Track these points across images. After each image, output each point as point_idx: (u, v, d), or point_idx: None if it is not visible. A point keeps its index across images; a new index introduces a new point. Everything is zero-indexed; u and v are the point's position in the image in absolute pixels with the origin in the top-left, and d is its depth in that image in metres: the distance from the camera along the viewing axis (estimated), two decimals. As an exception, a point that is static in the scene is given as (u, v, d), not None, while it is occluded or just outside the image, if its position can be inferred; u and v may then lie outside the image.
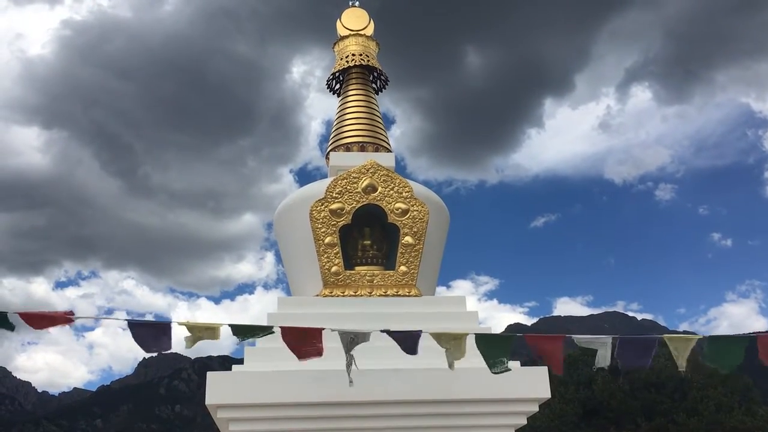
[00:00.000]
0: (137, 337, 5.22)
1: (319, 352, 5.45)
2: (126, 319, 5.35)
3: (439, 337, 5.57)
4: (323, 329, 5.46)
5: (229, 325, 5.34)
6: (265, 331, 5.42)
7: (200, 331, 5.26)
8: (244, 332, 5.39)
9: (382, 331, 5.47)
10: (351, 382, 5.51)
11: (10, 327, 5.06)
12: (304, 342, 5.44)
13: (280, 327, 5.45)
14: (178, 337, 5.40)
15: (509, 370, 5.54)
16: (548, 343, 5.60)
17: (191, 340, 5.25)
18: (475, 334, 5.58)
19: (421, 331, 5.53)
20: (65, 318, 5.06)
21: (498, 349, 5.54)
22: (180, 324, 5.28)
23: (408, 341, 5.52)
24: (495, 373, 5.51)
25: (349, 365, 5.45)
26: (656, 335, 5.68)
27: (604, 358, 5.51)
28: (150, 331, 5.31)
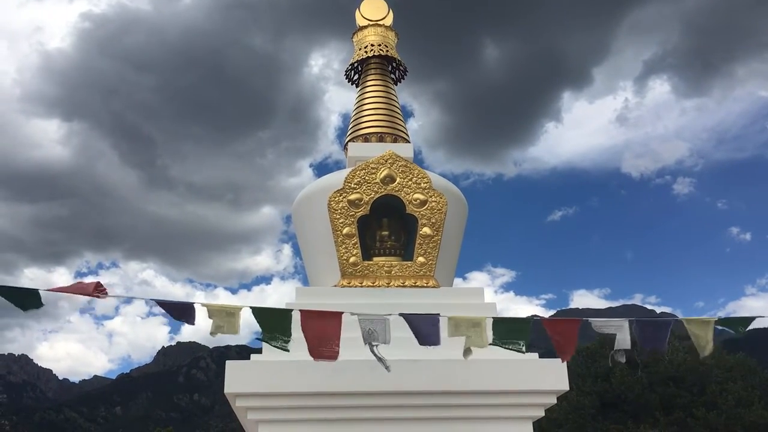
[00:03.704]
0: (166, 309, 5.35)
1: (333, 356, 5.44)
2: (152, 299, 5.47)
3: (458, 324, 5.54)
4: (342, 313, 5.47)
5: (250, 307, 5.39)
6: (284, 316, 5.44)
7: (221, 319, 5.32)
8: (263, 316, 5.42)
9: (400, 314, 5.47)
10: (388, 368, 5.54)
11: (39, 304, 5.11)
12: (321, 340, 5.44)
13: (300, 311, 5.47)
14: (198, 326, 5.47)
15: (523, 352, 5.53)
16: (564, 326, 5.59)
17: (214, 326, 5.32)
18: (493, 318, 5.56)
19: (438, 314, 5.52)
20: (96, 290, 5.11)
21: (517, 333, 5.53)
22: (202, 305, 5.34)
23: (427, 328, 5.50)
24: (507, 347, 5.52)
25: (377, 355, 5.47)
26: (673, 318, 5.66)
27: (624, 342, 5.47)
28: (174, 308, 5.42)
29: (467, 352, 5.65)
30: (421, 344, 5.54)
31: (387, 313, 5.51)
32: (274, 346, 5.44)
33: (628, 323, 5.54)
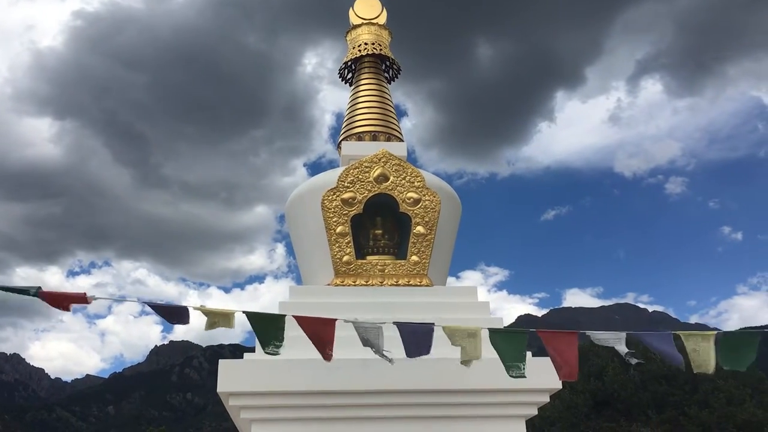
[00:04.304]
0: (159, 313, 5.27)
1: (327, 359, 5.37)
2: (144, 302, 5.39)
3: (453, 334, 5.39)
4: (336, 320, 5.40)
5: (243, 312, 5.33)
6: (277, 321, 5.36)
7: (215, 317, 5.27)
8: (256, 320, 5.36)
9: (394, 323, 5.39)
10: (391, 361, 5.37)
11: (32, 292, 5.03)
12: (316, 344, 5.38)
13: (293, 316, 5.41)
14: (191, 325, 5.43)
15: (524, 377, 5.32)
16: (563, 343, 5.35)
17: (209, 324, 5.27)
18: (489, 329, 5.43)
19: (433, 324, 5.44)
20: (82, 298, 5.06)
21: (513, 346, 5.34)
22: (195, 308, 5.28)
23: (420, 338, 5.38)
24: (512, 376, 5.33)
25: (380, 353, 5.35)
26: (670, 331, 5.28)
27: (625, 349, 5.18)
28: (167, 310, 5.34)
29: (467, 362, 5.46)
30: (409, 356, 5.40)
31: (381, 322, 5.44)
32: (267, 353, 5.36)
33: (626, 336, 5.24)
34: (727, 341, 5.03)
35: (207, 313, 5.26)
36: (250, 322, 5.35)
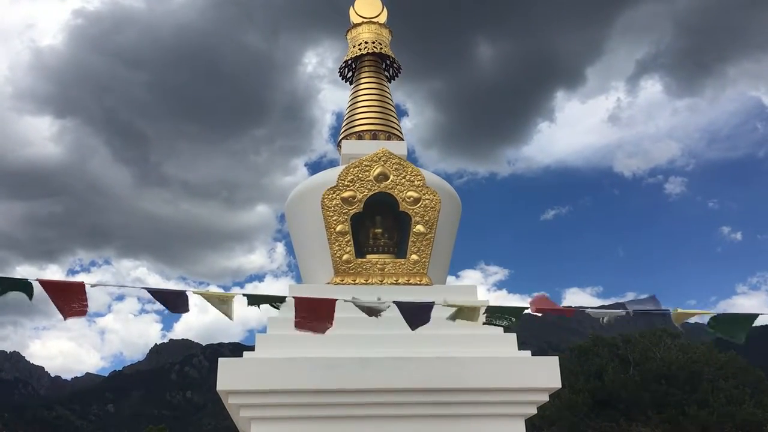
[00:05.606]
0: (160, 300, 5.29)
1: (321, 331, 5.44)
2: (144, 287, 5.39)
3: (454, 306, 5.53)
4: (336, 300, 5.42)
5: (244, 294, 5.36)
6: (278, 300, 5.41)
7: (215, 302, 5.32)
8: (258, 302, 5.39)
9: (394, 302, 5.40)
10: (384, 303, 5.43)
11: (29, 293, 5.05)
12: (315, 317, 5.43)
13: (294, 297, 5.43)
14: (191, 323, 5.45)
15: (513, 322, 5.51)
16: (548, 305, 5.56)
17: (213, 304, 5.32)
18: (488, 306, 5.53)
19: (433, 302, 5.46)
20: (80, 285, 5.09)
21: (509, 313, 5.54)
22: (195, 293, 5.32)
23: (420, 313, 5.47)
24: (497, 324, 5.52)
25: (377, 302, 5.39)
26: (666, 309, 5.38)
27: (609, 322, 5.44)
28: (169, 297, 5.37)
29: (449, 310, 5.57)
30: (413, 329, 5.49)
31: (381, 302, 5.45)
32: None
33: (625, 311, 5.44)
34: (723, 319, 5.27)
35: (207, 297, 5.31)
36: (251, 303, 5.38)
